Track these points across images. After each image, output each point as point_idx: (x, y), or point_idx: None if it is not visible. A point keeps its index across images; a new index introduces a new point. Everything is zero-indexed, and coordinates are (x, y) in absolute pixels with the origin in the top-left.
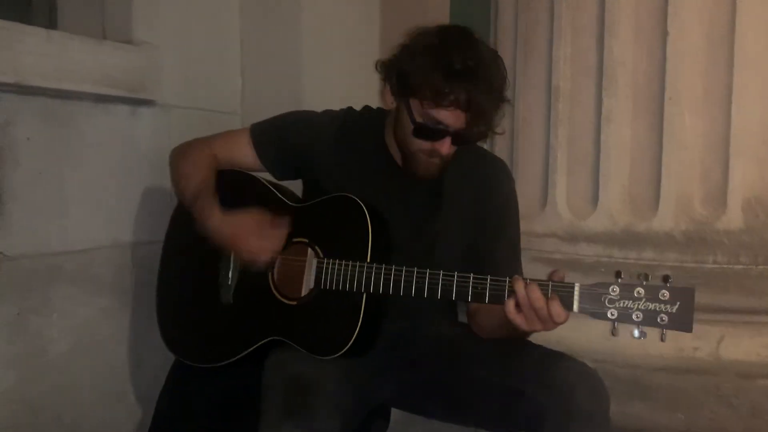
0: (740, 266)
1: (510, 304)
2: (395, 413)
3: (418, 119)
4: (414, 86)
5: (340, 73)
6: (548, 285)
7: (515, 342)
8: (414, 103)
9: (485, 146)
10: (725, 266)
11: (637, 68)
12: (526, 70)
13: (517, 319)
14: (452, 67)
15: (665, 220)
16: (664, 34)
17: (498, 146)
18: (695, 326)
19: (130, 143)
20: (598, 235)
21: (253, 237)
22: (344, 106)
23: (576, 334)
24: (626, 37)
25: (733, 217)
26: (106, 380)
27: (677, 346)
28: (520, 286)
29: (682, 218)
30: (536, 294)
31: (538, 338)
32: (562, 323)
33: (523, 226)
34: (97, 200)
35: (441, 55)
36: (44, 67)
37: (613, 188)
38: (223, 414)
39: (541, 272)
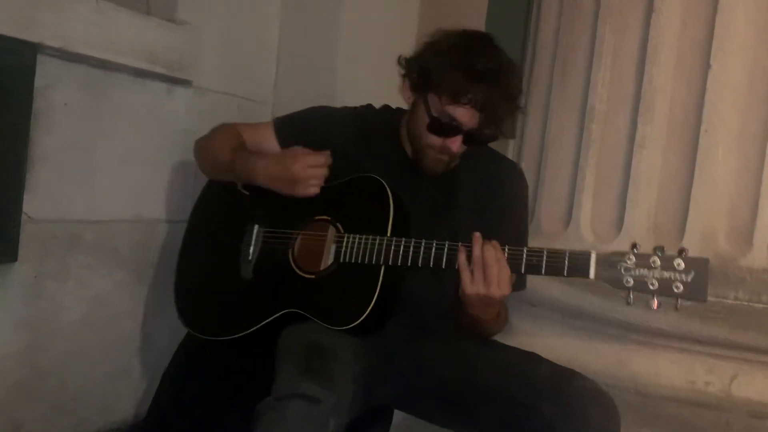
0: (761, 305)
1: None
2: (397, 417)
3: (434, 114)
4: (434, 82)
5: (373, 73)
6: (565, 254)
7: (528, 355)
8: (432, 98)
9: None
10: (746, 303)
11: (675, 98)
12: (562, 89)
13: (464, 274)
14: (474, 67)
15: (689, 251)
16: (706, 66)
17: (526, 161)
18: (709, 360)
19: (163, 121)
20: None
21: (300, 165)
22: (364, 105)
23: (588, 357)
24: (667, 66)
25: (758, 256)
26: (113, 353)
27: (690, 378)
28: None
29: (706, 251)
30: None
31: (549, 358)
32: (505, 286)
33: (544, 244)
34: (124, 174)
35: (464, 55)
36: (90, 35)
37: (639, 215)
38: (224, 397)
39: (559, 291)
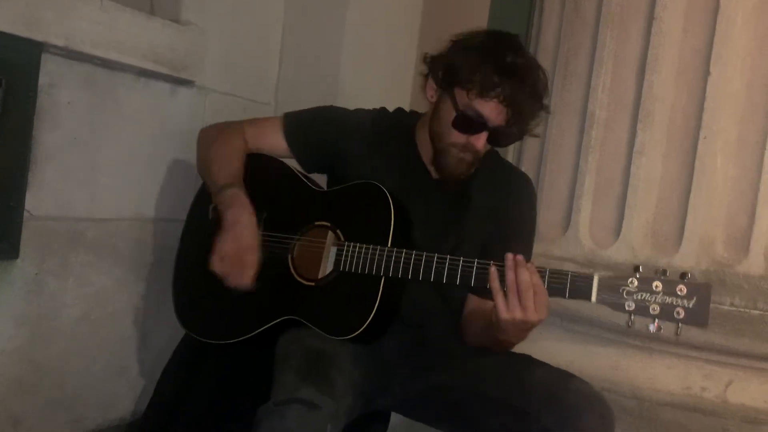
0: (757, 312)
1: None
2: (394, 419)
3: (461, 109)
4: (462, 76)
5: (376, 76)
6: (567, 275)
7: (524, 359)
8: (459, 93)
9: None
10: (742, 310)
11: (675, 105)
12: (563, 94)
13: (498, 300)
14: (503, 61)
15: (686, 257)
16: (706, 74)
17: (525, 165)
18: (705, 366)
19: (165, 121)
20: (617, 266)
21: (238, 267)
22: (378, 108)
23: (585, 361)
24: (667, 73)
25: (755, 263)
26: (111, 352)
27: (685, 384)
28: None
29: (704, 258)
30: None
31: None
32: (544, 311)
33: (542, 248)
34: (126, 172)
35: (493, 51)
36: (94, 35)
37: (637, 221)
38: (223, 397)
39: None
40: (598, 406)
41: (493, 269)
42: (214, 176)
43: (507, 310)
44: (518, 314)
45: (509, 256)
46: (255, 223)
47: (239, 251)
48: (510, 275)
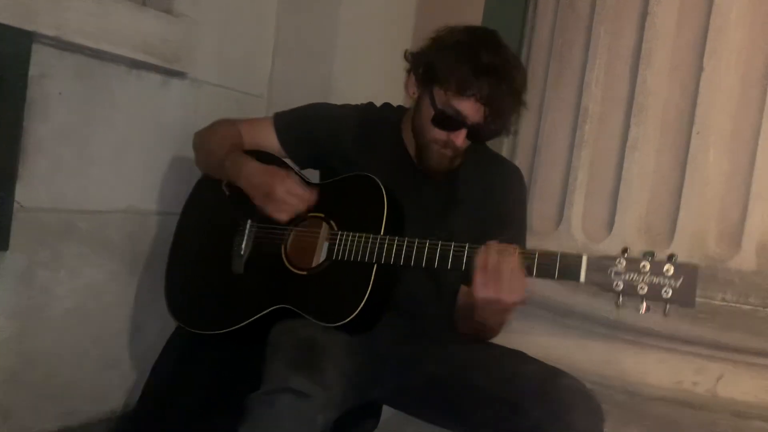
0: (748, 307)
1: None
2: (385, 413)
3: (440, 107)
4: (440, 75)
5: (370, 70)
6: (557, 255)
7: (516, 354)
8: (437, 92)
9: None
10: (733, 305)
11: (669, 100)
12: (557, 88)
13: (477, 277)
14: (480, 61)
15: (678, 252)
16: (699, 69)
17: (519, 159)
18: (696, 360)
19: (158, 113)
20: None
21: (283, 189)
22: (365, 103)
23: (577, 355)
24: (661, 68)
25: (746, 258)
26: (103, 344)
27: (676, 378)
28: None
29: (696, 253)
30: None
31: (538, 356)
32: (519, 293)
33: (535, 242)
34: (118, 164)
35: (470, 49)
36: (86, 25)
37: (630, 216)
38: (215, 389)
39: (550, 289)
40: (587, 402)
41: (477, 250)
42: (215, 156)
43: (483, 288)
44: (492, 293)
45: (490, 243)
46: (260, 165)
47: (272, 184)
48: (492, 257)
